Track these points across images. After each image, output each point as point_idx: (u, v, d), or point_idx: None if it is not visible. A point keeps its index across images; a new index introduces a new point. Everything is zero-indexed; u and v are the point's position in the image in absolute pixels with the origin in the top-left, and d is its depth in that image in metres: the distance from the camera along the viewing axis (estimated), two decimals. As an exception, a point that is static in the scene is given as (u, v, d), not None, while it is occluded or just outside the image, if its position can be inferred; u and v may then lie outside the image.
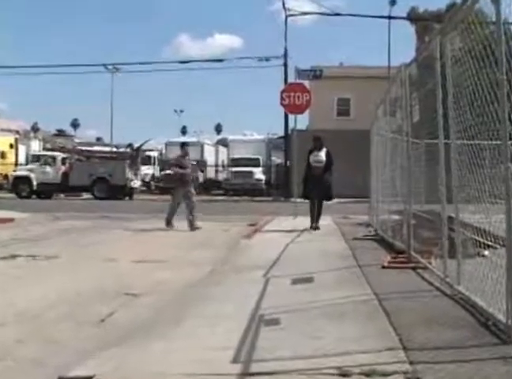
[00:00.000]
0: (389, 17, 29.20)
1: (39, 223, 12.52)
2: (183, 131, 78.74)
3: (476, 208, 4.04)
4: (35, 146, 34.23)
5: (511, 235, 3.23)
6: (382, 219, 9.33)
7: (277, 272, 6.07)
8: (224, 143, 35.54)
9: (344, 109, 30.73)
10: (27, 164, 28.91)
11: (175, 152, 32.44)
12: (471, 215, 4.28)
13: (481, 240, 4.18)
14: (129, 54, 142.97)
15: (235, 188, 29.14)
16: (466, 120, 4.05)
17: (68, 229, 11.39)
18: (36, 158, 28.13)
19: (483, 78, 3.65)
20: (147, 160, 32.48)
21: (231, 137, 35.16)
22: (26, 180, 26.20)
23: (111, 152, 29.20)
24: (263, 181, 29.77)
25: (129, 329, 4.06)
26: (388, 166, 8.84)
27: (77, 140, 42.65)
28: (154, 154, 36.02)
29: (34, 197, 25.98)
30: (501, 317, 3.37)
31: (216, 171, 32.94)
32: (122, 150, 29.07)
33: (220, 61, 33.60)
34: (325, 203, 10.57)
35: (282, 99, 13.46)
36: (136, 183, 27.18)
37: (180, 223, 11.23)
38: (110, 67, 36.50)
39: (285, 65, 27.41)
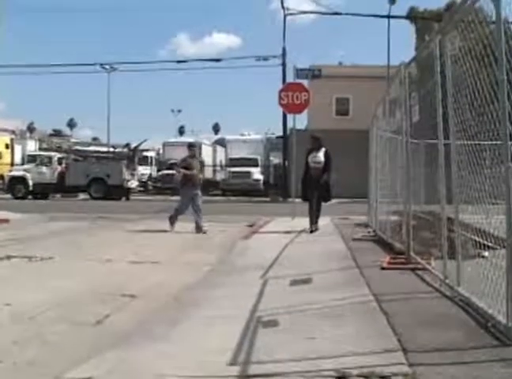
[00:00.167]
0: (389, 16, 29.11)
1: (35, 224, 12.46)
2: (181, 131, 78.77)
3: (475, 209, 4.02)
4: (32, 146, 34.02)
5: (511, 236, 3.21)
6: (381, 220, 9.30)
7: (276, 273, 6.05)
8: (221, 143, 35.49)
9: (343, 108, 30.68)
10: (23, 164, 28.73)
11: (173, 152, 32.51)
12: (471, 215, 4.26)
13: (481, 241, 4.16)
14: (126, 54, 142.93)
15: (232, 188, 29.11)
16: (466, 120, 4.02)
17: (64, 230, 11.34)
18: (32, 158, 27.97)
19: (483, 78, 3.63)
20: (144, 160, 32.48)
21: (228, 137, 35.12)
22: (22, 180, 26.07)
23: (108, 152, 29.08)
24: (261, 182, 29.75)
25: (126, 331, 4.04)
26: (387, 166, 8.81)
27: (73, 140, 42.58)
28: (151, 154, 36.04)
29: (30, 197, 25.86)
30: (501, 318, 3.35)
31: (214, 171, 32.91)
32: (119, 150, 28.96)
33: (218, 60, 33.22)
34: (323, 203, 10.50)
35: (280, 98, 13.40)
36: (133, 183, 27.11)
37: (178, 224, 11.17)
38: (107, 67, 36.42)
39: (284, 64, 27.37)
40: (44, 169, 26.45)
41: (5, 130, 36.28)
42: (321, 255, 7.28)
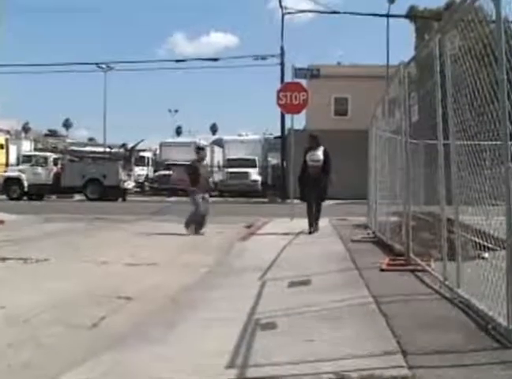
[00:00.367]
0: (388, 15, 29.05)
1: (30, 225, 12.39)
2: (178, 131, 78.89)
3: (475, 210, 3.99)
4: (27, 146, 33.89)
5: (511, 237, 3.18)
6: (380, 221, 9.25)
7: (274, 275, 6.01)
8: (219, 143, 35.46)
9: (341, 108, 30.62)
10: (18, 165, 28.58)
11: (169, 153, 32.35)
12: (471, 216, 4.23)
13: (481, 242, 4.13)
14: (123, 53, 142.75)
15: (230, 189, 29.08)
16: (466, 120, 3.99)
17: (59, 231, 11.26)
18: (27, 158, 27.77)
19: (483, 77, 3.60)
20: (141, 161, 32.40)
21: (226, 138, 35.06)
22: (17, 181, 25.83)
23: (104, 153, 28.99)
24: (259, 183, 29.70)
25: (122, 333, 4.00)
26: (386, 166, 8.77)
27: (69, 141, 42.46)
28: (148, 154, 35.95)
29: (25, 198, 25.69)
30: (501, 320, 3.32)
31: (212, 172, 32.88)
32: (115, 150, 28.86)
33: (216, 60, 32.98)
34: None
35: (279, 98, 13.34)
36: (129, 184, 26.99)
37: (177, 225, 11.12)
38: (103, 66, 36.27)
39: (282, 64, 27.29)
40: (39, 170, 26.24)
41: (0, 130, 36.16)
42: (320, 256, 7.25)
